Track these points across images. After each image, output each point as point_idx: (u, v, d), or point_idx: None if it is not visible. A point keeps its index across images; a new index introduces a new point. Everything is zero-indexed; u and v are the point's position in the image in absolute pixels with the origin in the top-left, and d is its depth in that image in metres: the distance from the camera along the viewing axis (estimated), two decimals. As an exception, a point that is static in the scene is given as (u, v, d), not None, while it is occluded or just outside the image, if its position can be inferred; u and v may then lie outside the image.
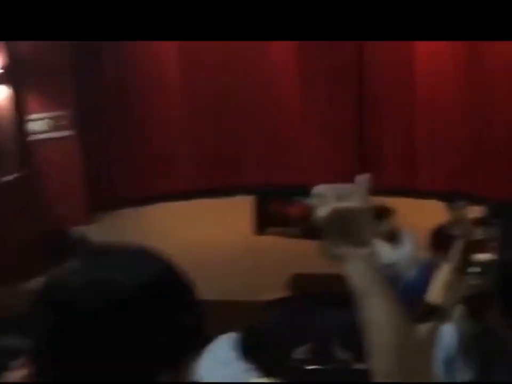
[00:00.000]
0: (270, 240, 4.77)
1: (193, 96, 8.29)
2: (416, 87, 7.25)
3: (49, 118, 7.58)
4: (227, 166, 8.33)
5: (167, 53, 8.21)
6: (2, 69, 6.84)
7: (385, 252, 4.05)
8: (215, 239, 6.85)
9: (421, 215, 5.82)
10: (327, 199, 0.89)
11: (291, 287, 4.76)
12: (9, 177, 6.91)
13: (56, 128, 7.62)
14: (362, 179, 0.92)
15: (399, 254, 4.25)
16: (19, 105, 7.24)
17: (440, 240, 3.88)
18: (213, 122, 8.36)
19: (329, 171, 7.26)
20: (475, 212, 4.66)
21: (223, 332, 2.96)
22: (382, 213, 4.15)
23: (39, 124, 7.74)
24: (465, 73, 6.96)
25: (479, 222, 3.99)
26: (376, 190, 1.00)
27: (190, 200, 8.08)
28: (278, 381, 2.66)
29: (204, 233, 7.05)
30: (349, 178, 0.95)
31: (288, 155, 7.96)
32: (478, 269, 2.46)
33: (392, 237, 4.27)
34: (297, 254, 4.63)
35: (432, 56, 7.10)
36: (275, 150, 8.14)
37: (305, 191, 0.99)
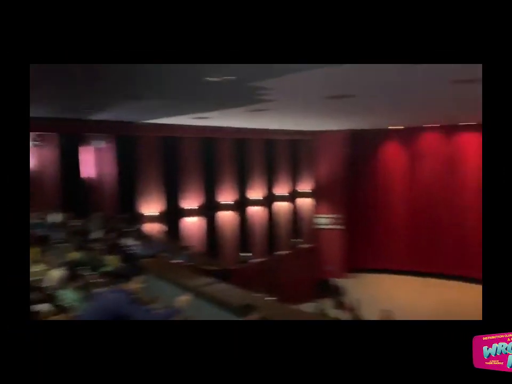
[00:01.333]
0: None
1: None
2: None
3: (330, 218, 16.51)
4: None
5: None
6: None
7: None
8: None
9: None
10: None
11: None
12: (306, 246, 16.16)
13: (333, 223, 16.44)
14: None
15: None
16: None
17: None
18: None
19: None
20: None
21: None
22: None
23: (323, 220, 16.82)
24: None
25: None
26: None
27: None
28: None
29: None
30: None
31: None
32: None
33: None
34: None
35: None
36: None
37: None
